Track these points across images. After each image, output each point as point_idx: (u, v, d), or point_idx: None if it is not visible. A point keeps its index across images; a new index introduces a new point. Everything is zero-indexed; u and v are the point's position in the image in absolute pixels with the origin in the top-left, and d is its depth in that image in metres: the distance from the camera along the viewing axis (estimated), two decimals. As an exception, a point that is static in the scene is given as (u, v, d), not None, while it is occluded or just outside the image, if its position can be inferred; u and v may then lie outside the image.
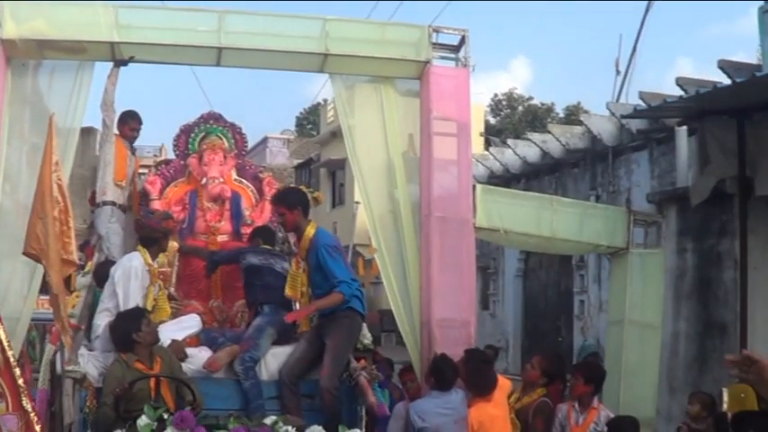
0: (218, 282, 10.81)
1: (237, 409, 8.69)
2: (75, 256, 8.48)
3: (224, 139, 11.40)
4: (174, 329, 9.30)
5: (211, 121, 11.51)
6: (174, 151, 11.59)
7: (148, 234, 9.45)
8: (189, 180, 11.30)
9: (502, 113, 59.32)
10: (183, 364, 8.84)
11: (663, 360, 12.19)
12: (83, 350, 8.93)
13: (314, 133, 56.78)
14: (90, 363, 8.76)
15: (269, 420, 7.84)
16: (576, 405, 9.69)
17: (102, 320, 8.95)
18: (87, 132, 10.61)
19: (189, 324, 9.58)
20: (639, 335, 11.46)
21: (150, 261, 9.27)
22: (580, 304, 18.12)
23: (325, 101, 47.41)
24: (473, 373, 9.14)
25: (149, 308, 9.02)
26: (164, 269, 9.97)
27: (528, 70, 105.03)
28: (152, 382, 8.17)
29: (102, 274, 9.71)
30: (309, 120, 66.92)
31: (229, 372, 9.19)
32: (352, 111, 10.28)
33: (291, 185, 11.06)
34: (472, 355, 9.35)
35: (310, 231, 9.37)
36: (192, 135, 11.41)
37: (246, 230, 10.98)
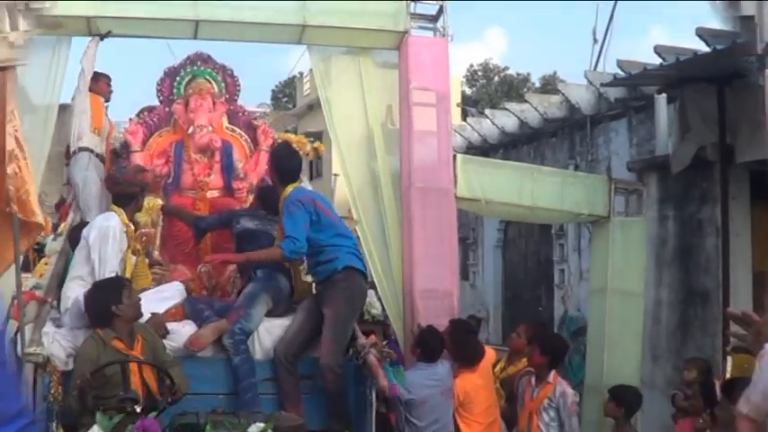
0: (208, 244, 9.85)
1: (226, 393, 8.13)
2: (39, 217, 7.38)
3: (213, 83, 10.45)
4: (154, 300, 8.29)
5: (199, 63, 10.53)
6: (158, 96, 10.57)
7: (124, 190, 8.56)
8: (174, 129, 10.41)
9: (477, 84, 59.13)
10: (164, 341, 7.89)
11: (645, 328, 12.21)
12: (48, 327, 7.97)
13: (290, 106, 56.47)
14: (56, 342, 7.78)
15: (255, 428, 6.80)
16: (533, 379, 9.47)
17: (73, 291, 7.97)
18: (64, 109, 10.27)
19: (170, 294, 8.69)
20: (622, 303, 11.48)
21: (127, 221, 8.44)
22: (560, 273, 18.12)
23: (301, 74, 47.23)
24: (459, 344, 9.13)
25: (127, 275, 8.17)
26: (147, 230, 9.47)
27: (503, 40, 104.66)
28: (132, 363, 7.14)
29: (76, 238, 8.57)
30: (285, 93, 66.64)
31: (217, 349, 8.32)
32: (330, 82, 10.19)
33: (286, 142, 10.54)
34: (457, 325, 9.34)
35: (288, 190, 8.74)
36: (178, 78, 10.46)
37: (239, 185, 10.20)
